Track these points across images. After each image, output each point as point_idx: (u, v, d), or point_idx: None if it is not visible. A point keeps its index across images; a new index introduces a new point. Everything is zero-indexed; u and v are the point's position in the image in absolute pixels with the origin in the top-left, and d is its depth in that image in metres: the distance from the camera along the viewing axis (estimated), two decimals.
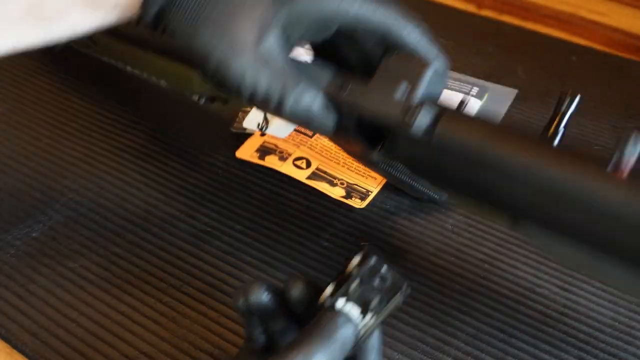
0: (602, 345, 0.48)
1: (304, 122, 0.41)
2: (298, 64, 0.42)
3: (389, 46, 0.41)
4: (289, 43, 0.40)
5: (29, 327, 0.48)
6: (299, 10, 0.38)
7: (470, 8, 0.87)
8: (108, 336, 0.48)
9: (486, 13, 0.86)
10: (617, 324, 0.49)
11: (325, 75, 0.41)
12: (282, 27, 0.38)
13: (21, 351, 0.47)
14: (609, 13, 0.84)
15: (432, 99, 0.41)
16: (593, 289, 0.52)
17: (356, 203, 0.57)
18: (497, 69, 0.76)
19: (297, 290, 0.34)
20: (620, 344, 0.48)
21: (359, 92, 0.41)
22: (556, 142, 0.38)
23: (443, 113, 0.40)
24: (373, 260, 0.34)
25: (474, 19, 0.84)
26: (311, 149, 0.63)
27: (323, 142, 0.64)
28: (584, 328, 0.49)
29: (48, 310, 0.49)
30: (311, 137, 0.64)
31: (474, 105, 0.69)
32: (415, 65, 0.40)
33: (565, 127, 0.38)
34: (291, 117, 0.41)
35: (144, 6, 0.38)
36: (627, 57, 0.77)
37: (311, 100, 0.39)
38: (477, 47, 0.79)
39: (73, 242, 0.55)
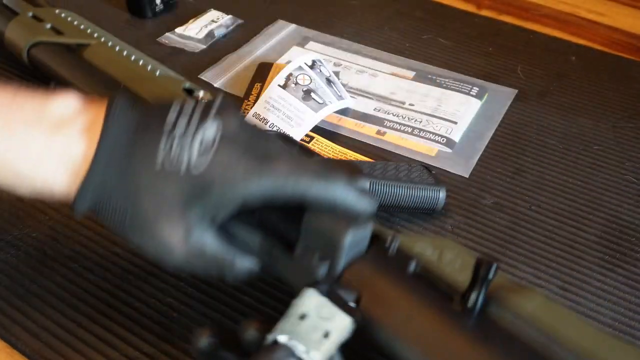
0: None
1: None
2: (229, 238, 0.42)
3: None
4: (215, 224, 0.41)
5: (29, 327, 0.48)
6: (213, 204, 0.39)
7: (470, 8, 0.87)
8: (109, 336, 0.47)
9: (486, 13, 0.86)
10: (617, 324, 0.50)
11: (254, 241, 0.43)
12: (201, 220, 0.40)
13: (21, 351, 0.47)
14: (608, 13, 0.84)
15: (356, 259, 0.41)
16: (593, 289, 0.52)
17: None
18: (496, 69, 0.76)
19: (249, 334, 0.36)
20: None
21: (285, 266, 0.42)
22: (476, 311, 0.36)
23: (362, 294, 0.39)
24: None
25: (474, 19, 0.84)
26: None
27: (319, 147, 0.64)
28: None
29: (48, 311, 0.49)
30: (308, 143, 0.64)
31: (474, 105, 0.70)
32: (333, 234, 0.39)
33: (484, 294, 0.36)
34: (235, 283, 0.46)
35: (74, 206, 0.41)
36: (627, 57, 0.77)
37: (247, 270, 0.42)
38: (477, 47, 0.79)
39: (73, 242, 0.55)
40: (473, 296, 0.36)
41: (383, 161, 0.58)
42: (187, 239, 0.40)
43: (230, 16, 0.84)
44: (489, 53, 0.78)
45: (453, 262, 0.40)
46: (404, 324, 0.37)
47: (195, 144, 0.39)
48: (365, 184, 0.53)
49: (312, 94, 0.65)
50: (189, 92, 0.59)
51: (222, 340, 0.37)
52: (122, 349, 0.46)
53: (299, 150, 0.54)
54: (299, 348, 0.34)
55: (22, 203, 0.58)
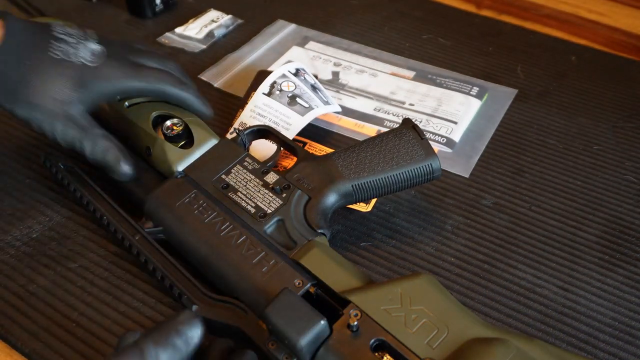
0: (602, 345, 0.48)
1: (104, 166, 0.53)
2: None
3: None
4: (92, 108, 0.54)
5: (29, 327, 0.48)
6: (95, 91, 0.53)
7: (470, 8, 0.87)
8: (108, 336, 0.48)
9: (486, 13, 0.86)
10: (617, 323, 0.50)
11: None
12: (80, 102, 0.52)
13: (21, 351, 0.47)
14: (609, 13, 0.84)
15: None
16: (593, 288, 0.52)
17: (362, 207, 0.57)
18: (496, 69, 0.76)
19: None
20: (621, 343, 0.48)
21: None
22: None
23: None
24: None
25: (474, 19, 0.84)
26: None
27: (320, 147, 0.64)
28: (584, 328, 0.49)
29: (48, 311, 0.49)
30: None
31: (474, 105, 0.70)
32: (289, 340, 0.41)
33: None
34: (94, 160, 0.53)
35: None
36: (627, 57, 0.77)
37: (105, 146, 0.52)
38: (477, 47, 0.79)
39: (73, 243, 0.55)
40: None
41: (368, 141, 0.54)
42: (66, 112, 0.51)
43: (230, 16, 0.84)
44: (489, 53, 0.78)
45: (421, 317, 0.42)
46: None
47: (85, 51, 0.53)
48: (347, 187, 0.52)
49: (297, 99, 0.65)
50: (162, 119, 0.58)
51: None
52: None
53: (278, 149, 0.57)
54: None
55: (22, 204, 0.58)
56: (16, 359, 0.47)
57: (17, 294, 0.50)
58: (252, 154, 0.55)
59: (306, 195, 0.51)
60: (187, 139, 0.56)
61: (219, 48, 0.79)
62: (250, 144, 0.58)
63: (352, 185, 0.52)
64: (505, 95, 0.72)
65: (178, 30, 0.81)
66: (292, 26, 0.83)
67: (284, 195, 0.51)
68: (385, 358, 0.41)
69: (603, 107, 0.70)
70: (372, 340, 0.41)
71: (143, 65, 0.56)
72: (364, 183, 0.52)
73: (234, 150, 0.55)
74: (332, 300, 0.44)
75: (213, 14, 0.84)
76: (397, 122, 0.67)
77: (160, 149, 0.54)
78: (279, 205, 0.51)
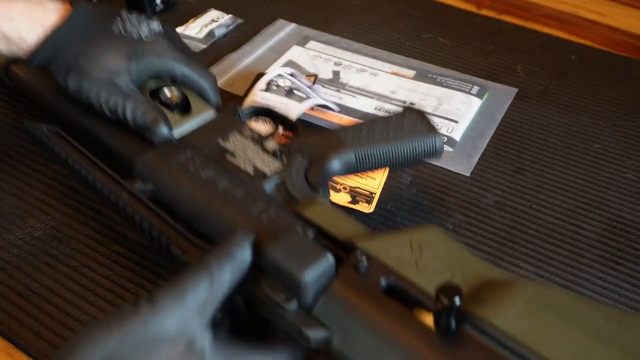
0: None
1: (144, 128, 0.53)
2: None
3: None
4: (139, 80, 0.56)
5: (32, 326, 0.48)
6: (144, 64, 0.55)
7: (470, 8, 0.87)
8: None
9: (486, 13, 0.86)
10: None
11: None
12: (129, 73, 0.55)
13: (24, 350, 0.47)
14: (609, 13, 0.85)
15: None
16: (594, 286, 0.52)
17: (364, 207, 0.57)
18: (496, 68, 0.76)
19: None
20: None
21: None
22: (449, 333, 0.35)
23: (334, 332, 0.38)
24: None
25: (474, 19, 0.84)
26: None
27: None
28: None
29: (51, 309, 0.49)
30: None
31: (474, 104, 0.70)
32: (291, 275, 0.38)
33: (455, 318, 0.34)
34: (135, 123, 0.53)
35: (33, 54, 0.55)
36: (627, 57, 0.78)
37: (144, 109, 0.53)
38: (477, 47, 0.79)
39: (75, 242, 0.55)
40: (442, 321, 0.34)
41: (370, 120, 0.55)
42: (114, 79, 0.54)
43: (230, 16, 0.84)
44: (490, 52, 0.78)
45: (432, 261, 0.39)
46: (378, 359, 0.36)
47: (145, 27, 0.56)
48: (350, 155, 0.51)
49: (294, 91, 0.65)
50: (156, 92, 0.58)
51: None
52: None
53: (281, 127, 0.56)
54: None
55: (24, 203, 0.58)
56: (19, 358, 0.47)
57: (19, 293, 0.50)
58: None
59: (307, 161, 0.50)
60: (184, 109, 0.56)
61: (219, 48, 0.79)
62: (248, 121, 0.56)
63: (355, 153, 0.51)
64: (506, 94, 0.72)
65: (178, 30, 0.81)
66: (292, 26, 0.83)
67: (284, 159, 0.50)
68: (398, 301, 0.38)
69: (603, 106, 0.70)
70: (382, 281, 0.38)
71: (191, 55, 0.59)
72: (367, 152, 0.52)
73: (233, 121, 0.54)
74: (337, 247, 0.41)
75: (213, 13, 0.84)
76: None
77: None
78: (279, 168, 0.49)
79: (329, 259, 0.38)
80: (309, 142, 0.52)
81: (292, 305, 0.38)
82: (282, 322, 0.39)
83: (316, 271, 0.37)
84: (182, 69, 0.57)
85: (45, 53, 0.55)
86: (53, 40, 0.55)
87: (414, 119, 0.54)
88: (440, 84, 0.73)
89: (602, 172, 0.62)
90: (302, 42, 0.79)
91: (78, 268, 0.52)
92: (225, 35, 0.81)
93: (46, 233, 0.55)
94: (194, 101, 0.56)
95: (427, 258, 0.39)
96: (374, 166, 0.53)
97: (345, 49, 0.78)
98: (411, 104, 0.70)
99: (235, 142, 0.52)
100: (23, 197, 0.58)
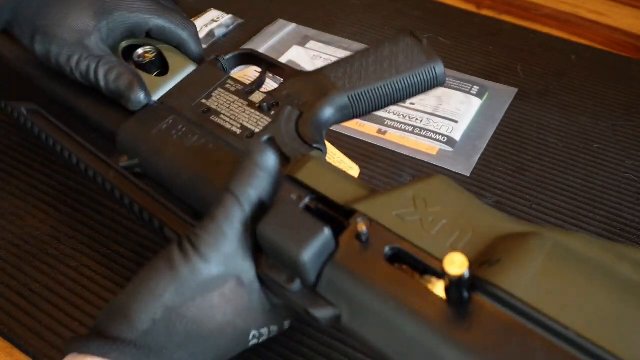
0: None
1: (118, 94, 0.49)
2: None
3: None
4: (110, 40, 0.52)
5: (32, 326, 0.48)
6: (115, 21, 0.52)
7: (470, 8, 0.87)
8: None
9: (486, 13, 0.86)
10: None
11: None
12: (99, 32, 0.51)
13: (24, 350, 0.47)
14: (609, 13, 0.85)
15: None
16: None
17: None
18: (496, 68, 0.76)
19: None
20: None
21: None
22: (461, 302, 0.32)
23: (341, 308, 0.35)
24: None
25: (474, 19, 0.84)
26: None
27: None
28: None
29: (51, 310, 0.49)
30: None
31: (474, 104, 0.70)
32: (290, 255, 0.35)
33: (466, 289, 0.32)
34: (108, 89, 0.49)
35: None
36: (627, 57, 0.77)
37: (118, 72, 0.49)
38: (477, 47, 0.79)
39: (75, 241, 0.55)
40: (453, 292, 0.32)
41: (361, 51, 0.50)
42: (85, 40, 0.50)
43: (230, 16, 0.84)
44: (489, 52, 0.78)
45: (439, 218, 0.35)
46: (388, 333, 0.33)
47: None
48: (343, 99, 0.47)
49: None
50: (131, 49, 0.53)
51: None
52: None
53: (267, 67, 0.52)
54: None
55: (24, 203, 0.58)
56: (19, 358, 0.47)
57: (19, 293, 0.50)
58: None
59: (297, 111, 0.46)
60: (161, 68, 0.52)
61: (220, 48, 0.79)
62: (231, 71, 0.52)
63: (349, 97, 0.47)
64: (506, 94, 0.72)
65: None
66: (292, 26, 0.83)
67: (272, 112, 0.46)
68: (404, 268, 0.35)
69: (603, 106, 0.70)
70: (387, 249, 0.35)
71: (169, 6, 0.55)
72: (361, 93, 0.47)
73: (215, 74, 0.50)
74: (336, 213, 0.39)
75: (213, 13, 0.84)
76: (397, 121, 0.67)
77: None
78: (267, 123, 0.46)
79: (325, 233, 0.35)
80: (296, 88, 0.48)
81: (295, 286, 0.36)
82: (288, 301, 0.37)
83: (314, 248, 0.35)
84: (156, 21, 0.53)
85: (6, 14, 0.51)
86: (11, 1, 0.51)
87: (409, 45, 0.49)
88: None
89: (602, 172, 0.62)
90: (302, 42, 0.79)
91: (78, 268, 0.52)
92: (225, 35, 0.81)
93: (46, 233, 0.55)
94: (171, 57, 0.52)
95: (433, 215, 0.36)
96: (372, 108, 0.49)
97: (346, 49, 0.78)
98: (411, 103, 0.70)
99: (219, 99, 0.48)
100: (23, 197, 0.58)
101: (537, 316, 0.30)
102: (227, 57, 0.52)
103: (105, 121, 0.50)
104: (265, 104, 0.46)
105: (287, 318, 0.40)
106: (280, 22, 0.83)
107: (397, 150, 0.64)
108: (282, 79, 0.51)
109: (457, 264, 0.31)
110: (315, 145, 0.44)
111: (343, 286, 0.35)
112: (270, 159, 0.39)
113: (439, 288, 0.33)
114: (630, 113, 0.69)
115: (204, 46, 0.79)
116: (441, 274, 0.33)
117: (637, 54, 0.78)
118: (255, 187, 0.38)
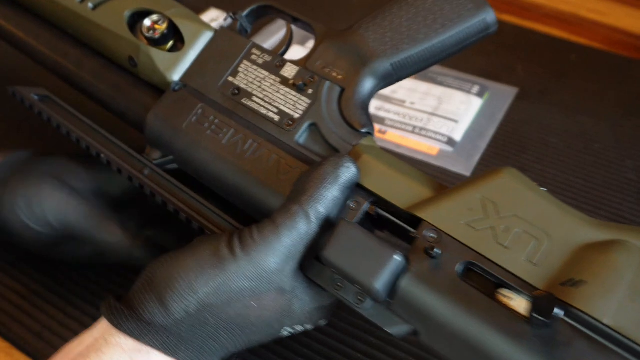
0: None
1: None
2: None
3: None
4: None
5: (31, 326, 0.48)
6: None
7: None
8: None
9: None
10: None
11: None
12: None
13: (24, 350, 0.47)
14: (609, 13, 0.84)
15: None
16: None
17: None
18: (497, 67, 0.76)
19: None
20: None
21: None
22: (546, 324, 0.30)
23: (417, 328, 0.34)
24: None
25: None
26: None
27: None
28: None
29: (50, 310, 0.49)
30: None
31: (475, 103, 0.70)
32: (362, 281, 0.34)
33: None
34: None
35: None
36: (627, 57, 0.77)
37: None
38: (478, 46, 0.78)
39: None
40: (536, 314, 0.30)
41: (399, 1, 0.43)
42: None
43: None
44: (490, 52, 0.78)
45: (512, 226, 0.33)
46: (468, 351, 0.32)
47: None
48: (385, 66, 0.41)
49: None
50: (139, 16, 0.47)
51: None
52: None
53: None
54: None
55: None
56: (18, 359, 0.47)
57: (19, 294, 0.50)
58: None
59: (337, 86, 0.41)
60: (175, 38, 0.46)
61: None
62: (251, 29, 0.47)
63: (392, 64, 0.42)
64: (506, 93, 0.72)
65: None
66: (292, 25, 0.82)
67: (309, 91, 0.41)
68: (479, 281, 0.33)
69: (603, 106, 0.70)
70: (459, 266, 0.33)
71: None
72: (406, 58, 0.42)
73: (236, 41, 0.44)
74: (399, 219, 0.36)
75: (213, 13, 0.84)
76: (398, 121, 0.67)
77: (147, 57, 0.45)
78: (307, 105, 0.41)
79: (396, 260, 0.33)
80: (331, 57, 0.42)
81: (367, 305, 0.35)
82: (360, 316, 0.36)
83: (386, 276, 0.33)
84: None
85: None
86: None
87: None
88: (441, 84, 0.73)
89: (603, 172, 0.62)
90: (302, 42, 0.79)
91: (78, 268, 0.52)
92: None
93: None
94: (184, 25, 0.45)
95: (504, 222, 0.33)
96: (416, 71, 0.43)
97: None
98: (411, 103, 0.70)
99: (248, 76, 0.43)
100: None
101: (630, 344, 0.29)
102: (245, 13, 0.46)
103: (129, 111, 0.46)
104: (301, 81, 0.41)
105: (325, 318, 0.39)
106: (280, 21, 0.83)
107: (397, 150, 0.64)
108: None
109: (547, 302, 0.30)
110: (364, 130, 0.40)
111: (417, 304, 0.33)
112: (350, 176, 0.36)
113: (517, 304, 0.32)
114: (630, 113, 0.69)
115: None
116: (521, 292, 0.32)
117: (637, 54, 0.78)
118: (328, 206, 0.36)
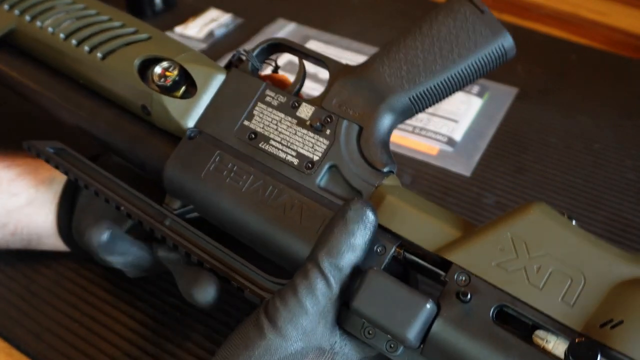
0: None
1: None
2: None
3: None
4: None
5: (31, 327, 0.48)
6: None
7: None
8: (111, 335, 0.47)
9: None
10: None
11: None
12: None
13: (24, 351, 0.47)
14: (609, 12, 0.85)
15: None
16: None
17: None
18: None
19: None
20: None
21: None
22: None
23: None
24: None
25: None
26: None
27: None
28: None
29: (50, 311, 0.49)
30: None
31: (475, 104, 0.70)
32: (396, 333, 0.34)
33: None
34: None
35: None
36: (627, 57, 0.77)
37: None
38: None
39: None
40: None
41: (412, 32, 0.41)
42: None
43: (230, 15, 0.84)
44: None
45: (544, 265, 0.32)
46: None
47: None
48: (404, 101, 0.40)
49: None
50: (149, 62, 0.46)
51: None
52: (125, 348, 0.46)
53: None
54: None
55: None
56: (17, 359, 0.47)
57: (19, 295, 0.50)
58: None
59: (355, 125, 0.40)
60: (186, 83, 0.44)
61: (220, 47, 0.79)
62: (262, 68, 0.45)
63: (410, 98, 0.40)
64: (506, 93, 0.72)
65: (178, 29, 0.81)
66: (292, 25, 0.83)
67: (327, 131, 0.40)
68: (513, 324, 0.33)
69: (603, 106, 0.70)
70: (492, 310, 0.32)
71: None
72: (424, 91, 0.40)
73: (249, 83, 0.43)
74: (428, 262, 0.35)
75: (213, 13, 0.84)
76: None
77: (159, 105, 0.44)
78: (325, 146, 0.40)
79: (428, 309, 0.33)
80: (347, 94, 0.41)
81: (398, 352, 0.35)
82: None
83: (419, 325, 0.33)
84: None
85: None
86: None
87: (468, 19, 0.41)
88: None
89: (603, 172, 0.62)
90: (302, 42, 0.79)
91: (77, 269, 0.52)
92: (225, 35, 0.81)
93: None
94: (195, 70, 0.44)
95: (537, 261, 0.33)
96: (435, 102, 0.42)
97: (346, 48, 0.78)
98: None
99: (264, 119, 0.42)
100: None
101: None
102: (255, 53, 0.44)
103: (146, 160, 0.45)
104: (318, 123, 0.40)
105: None
106: (280, 21, 0.83)
107: (397, 150, 0.64)
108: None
109: (586, 351, 0.29)
110: (386, 170, 0.39)
111: (449, 349, 0.33)
112: (367, 224, 0.35)
113: (554, 347, 0.32)
114: (630, 113, 0.69)
115: (204, 46, 0.79)
116: (558, 334, 0.31)
117: (637, 54, 0.78)
118: (348, 258, 0.34)
